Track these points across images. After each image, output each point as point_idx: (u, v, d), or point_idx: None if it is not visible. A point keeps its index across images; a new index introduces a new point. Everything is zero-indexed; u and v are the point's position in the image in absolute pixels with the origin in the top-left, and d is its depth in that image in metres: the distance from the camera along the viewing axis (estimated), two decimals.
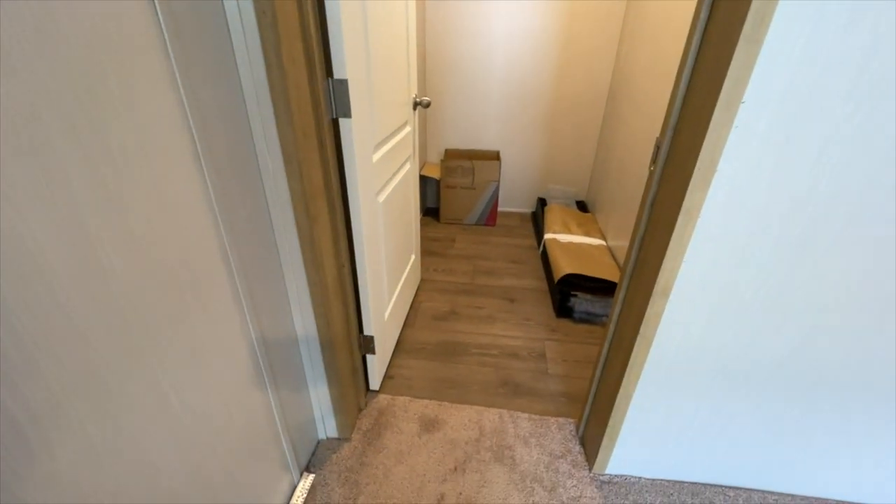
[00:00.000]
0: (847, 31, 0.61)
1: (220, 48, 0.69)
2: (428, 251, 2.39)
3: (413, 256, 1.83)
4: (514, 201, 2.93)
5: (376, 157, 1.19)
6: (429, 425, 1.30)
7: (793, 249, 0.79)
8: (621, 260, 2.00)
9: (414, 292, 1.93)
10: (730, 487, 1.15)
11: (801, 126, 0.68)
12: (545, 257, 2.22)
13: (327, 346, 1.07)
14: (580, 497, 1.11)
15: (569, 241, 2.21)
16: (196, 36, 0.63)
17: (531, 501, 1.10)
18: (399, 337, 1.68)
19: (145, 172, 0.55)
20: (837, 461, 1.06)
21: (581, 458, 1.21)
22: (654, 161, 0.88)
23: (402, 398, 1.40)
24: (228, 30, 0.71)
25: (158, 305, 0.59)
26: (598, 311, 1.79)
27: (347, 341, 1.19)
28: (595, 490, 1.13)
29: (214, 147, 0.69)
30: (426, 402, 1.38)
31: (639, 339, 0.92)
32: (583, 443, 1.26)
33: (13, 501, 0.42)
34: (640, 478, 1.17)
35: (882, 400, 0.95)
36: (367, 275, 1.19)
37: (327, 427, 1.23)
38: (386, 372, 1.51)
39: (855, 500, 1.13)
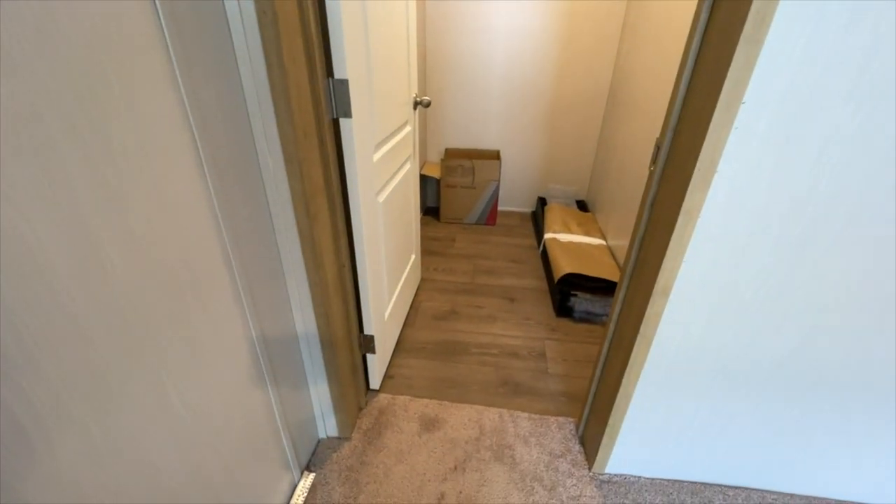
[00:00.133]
0: (847, 31, 0.61)
1: (221, 48, 0.69)
2: (428, 250, 2.39)
3: (413, 256, 1.83)
4: (514, 201, 2.93)
5: (377, 156, 1.19)
6: (429, 424, 1.31)
7: (793, 249, 0.79)
8: (621, 259, 2.00)
9: (414, 292, 1.93)
10: (729, 487, 1.16)
11: (801, 126, 0.68)
12: (545, 257, 2.22)
13: (327, 346, 1.08)
14: (580, 496, 1.12)
15: (569, 241, 2.21)
16: (197, 35, 0.63)
17: (531, 500, 1.10)
18: (399, 336, 1.68)
19: (146, 172, 0.55)
20: (837, 461, 1.07)
21: (581, 458, 1.21)
22: (654, 161, 0.88)
23: (402, 397, 1.40)
24: (229, 29, 0.71)
25: (159, 305, 0.59)
26: (597, 311, 1.79)
27: (348, 340, 1.19)
28: (595, 489, 1.14)
29: (215, 146, 0.69)
30: (426, 401, 1.39)
31: (639, 338, 0.92)
32: (583, 442, 1.26)
33: (15, 500, 0.42)
34: (639, 477, 1.18)
35: (882, 400, 0.95)
36: (367, 274, 1.19)
37: (328, 426, 1.23)
38: (386, 371, 1.51)
39: (854, 500, 1.13)
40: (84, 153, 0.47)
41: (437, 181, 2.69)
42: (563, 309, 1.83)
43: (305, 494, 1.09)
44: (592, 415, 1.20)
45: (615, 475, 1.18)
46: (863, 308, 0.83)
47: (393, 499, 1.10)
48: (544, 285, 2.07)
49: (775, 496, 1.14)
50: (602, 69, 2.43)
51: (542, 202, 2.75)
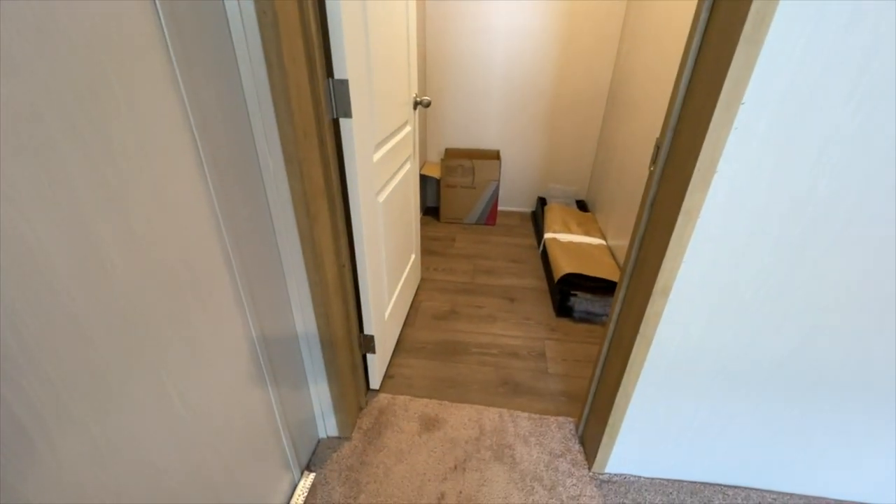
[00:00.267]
0: (847, 31, 0.61)
1: (221, 48, 0.69)
2: (428, 250, 2.39)
3: (413, 256, 1.83)
4: (514, 200, 2.93)
5: (377, 156, 1.19)
6: (429, 424, 1.31)
7: (793, 250, 0.79)
8: (621, 259, 2.00)
9: (414, 291, 1.93)
10: (729, 486, 1.16)
11: (801, 126, 0.68)
12: (545, 257, 2.22)
13: (328, 346, 1.08)
14: (580, 496, 1.12)
15: (569, 241, 2.21)
16: (197, 35, 0.63)
17: (531, 500, 1.10)
18: (399, 336, 1.68)
19: (146, 172, 0.55)
20: (837, 461, 1.07)
21: (581, 457, 1.22)
22: (654, 161, 0.88)
23: (402, 397, 1.40)
24: (229, 29, 0.71)
25: (159, 305, 0.59)
26: (597, 311, 1.79)
27: (348, 340, 1.19)
28: (594, 489, 1.14)
29: (215, 146, 0.69)
30: (426, 401, 1.39)
31: (638, 338, 0.92)
32: (582, 442, 1.26)
33: (16, 500, 0.42)
34: (639, 477, 1.18)
35: (882, 400, 0.95)
36: (367, 274, 1.19)
37: (328, 426, 1.23)
38: (386, 371, 1.51)
39: (854, 500, 1.13)
40: (84, 153, 0.47)
41: (437, 181, 2.69)
42: (562, 309, 1.83)
43: (305, 494, 1.10)
44: (592, 415, 1.20)
45: (615, 475, 1.18)
46: (863, 308, 0.83)
47: (393, 498, 1.10)
48: (544, 285, 2.08)
49: (775, 496, 1.14)
50: (602, 69, 2.43)
51: (541, 202, 2.76)
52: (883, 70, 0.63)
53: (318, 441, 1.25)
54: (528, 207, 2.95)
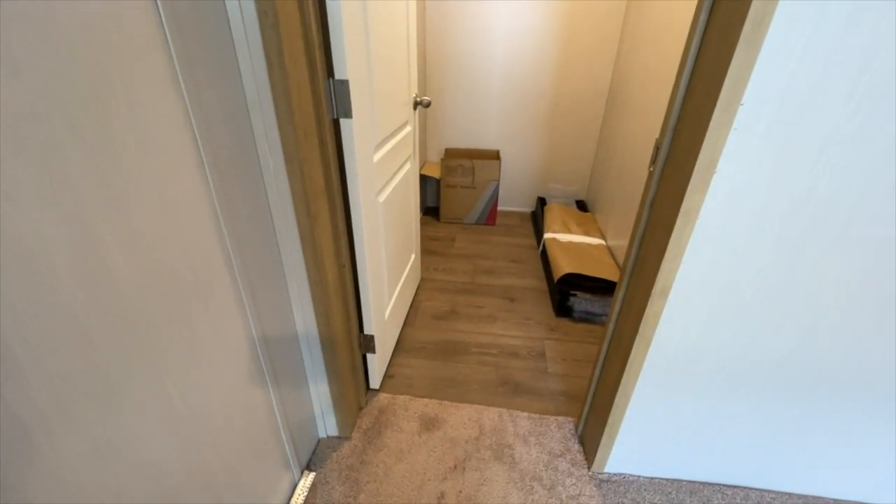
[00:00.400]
0: (847, 31, 0.61)
1: (222, 48, 0.70)
2: (428, 250, 2.39)
3: (413, 256, 1.83)
4: (513, 200, 2.93)
5: (377, 156, 1.19)
6: (429, 424, 1.31)
7: (792, 250, 0.79)
8: (621, 259, 2.00)
9: (414, 291, 1.94)
10: (728, 486, 1.16)
11: (800, 126, 0.68)
12: (545, 257, 2.22)
13: (328, 345, 1.08)
14: (579, 495, 1.12)
15: (568, 241, 2.21)
16: (198, 36, 0.63)
17: (530, 500, 1.10)
18: (399, 336, 1.69)
19: (148, 172, 0.55)
20: (836, 460, 1.07)
21: (580, 457, 1.22)
22: (653, 162, 0.88)
23: (402, 397, 1.40)
24: (230, 30, 0.71)
25: (161, 305, 0.59)
26: (597, 311, 1.79)
27: (348, 340, 1.19)
28: (594, 488, 1.14)
29: (216, 146, 0.69)
30: (426, 400, 1.39)
31: (638, 338, 0.92)
32: (582, 441, 1.26)
33: (19, 499, 0.42)
34: (638, 476, 1.18)
35: (882, 400, 0.95)
36: (367, 274, 1.19)
37: (328, 425, 1.24)
38: (386, 371, 1.51)
39: (853, 500, 1.13)
40: (86, 153, 0.47)
41: (437, 181, 2.69)
42: (562, 309, 1.83)
43: (306, 493, 1.10)
44: (592, 414, 1.20)
45: (614, 474, 1.18)
46: (863, 308, 0.84)
47: (393, 498, 1.10)
48: (544, 285, 2.08)
49: (774, 495, 1.14)
50: (602, 69, 2.44)
51: (541, 202, 2.76)
52: (883, 70, 0.63)
53: (318, 441, 1.25)
54: (527, 207, 2.95)
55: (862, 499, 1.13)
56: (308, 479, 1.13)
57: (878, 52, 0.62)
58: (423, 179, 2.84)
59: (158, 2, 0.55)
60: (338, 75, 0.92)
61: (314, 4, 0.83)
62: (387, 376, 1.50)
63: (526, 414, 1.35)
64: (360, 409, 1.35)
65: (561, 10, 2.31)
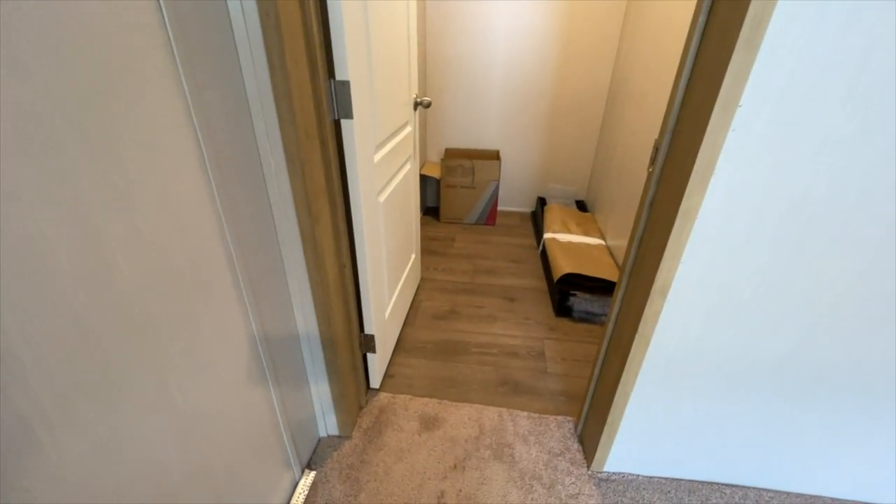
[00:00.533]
0: (845, 32, 0.61)
1: (224, 49, 0.70)
2: (428, 250, 2.40)
3: (413, 255, 1.83)
4: (513, 201, 2.94)
5: (377, 157, 1.19)
6: (429, 423, 1.31)
7: (790, 250, 0.80)
8: (620, 259, 2.01)
9: (414, 291, 1.94)
10: (727, 485, 1.16)
11: (799, 127, 0.69)
12: (545, 257, 2.23)
13: (328, 345, 1.08)
14: (578, 494, 1.12)
15: (568, 241, 2.22)
16: (200, 37, 0.64)
17: (530, 499, 1.11)
18: (399, 336, 1.69)
19: (151, 172, 0.56)
20: (834, 460, 1.07)
21: (580, 456, 1.22)
22: (652, 162, 0.88)
23: (402, 396, 1.41)
24: (232, 31, 0.72)
25: (163, 304, 0.60)
26: (596, 311, 1.80)
27: (348, 340, 1.20)
28: (593, 487, 1.15)
29: (218, 147, 0.69)
30: (426, 400, 1.39)
31: (637, 338, 0.93)
32: (581, 441, 1.27)
33: (23, 497, 0.43)
34: (637, 475, 1.18)
35: (880, 399, 0.95)
36: (367, 274, 1.20)
37: (328, 425, 1.24)
38: (386, 370, 1.52)
39: (851, 499, 1.14)
40: (90, 154, 0.47)
41: (437, 181, 2.69)
42: (562, 308, 1.84)
43: (306, 492, 1.10)
44: (591, 414, 1.21)
45: (613, 473, 1.19)
46: (861, 308, 0.84)
47: (393, 497, 1.11)
48: (544, 285, 2.08)
49: (772, 494, 1.14)
50: (602, 69, 2.44)
51: (541, 202, 2.76)
52: (881, 70, 0.63)
53: (319, 440, 1.25)
54: (527, 207, 2.96)
55: (860, 498, 1.13)
56: (309, 478, 1.13)
57: (876, 52, 0.62)
58: (424, 179, 2.84)
59: (162, 6, 0.56)
60: (339, 76, 0.93)
61: (315, 5, 0.83)
62: (387, 376, 1.50)
63: (525, 413, 1.35)
64: (361, 408, 1.36)
65: (561, 10, 2.32)
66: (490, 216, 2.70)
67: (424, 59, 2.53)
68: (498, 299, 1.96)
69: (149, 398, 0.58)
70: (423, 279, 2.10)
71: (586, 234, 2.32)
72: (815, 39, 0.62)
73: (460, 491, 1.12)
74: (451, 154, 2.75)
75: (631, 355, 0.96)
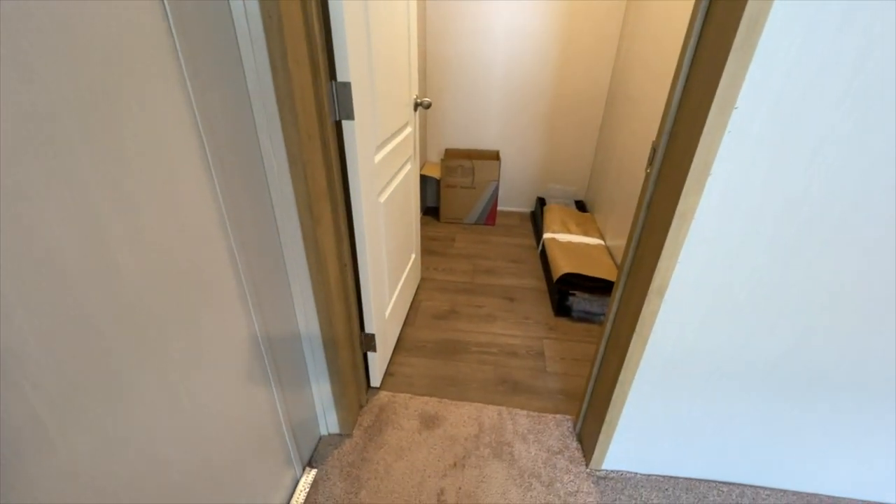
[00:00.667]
0: (841, 33, 0.62)
1: (227, 51, 0.71)
2: (428, 250, 2.41)
3: (413, 255, 1.84)
4: (513, 201, 2.95)
5: (378, 158, 1.20)
6: (429, 422, 1.32)
7: (786, 251, 0.80)
8: (619, 259, 2.01)
9: (414, 291, 1.95)
10: (724, 483, 1.17)
11: (794, 128, 0.69)
12: (544, 257, 2.24)
13: (329, 344, 1.09)
14: (577, 492, 1.14)
15: (567, 241, 2.23)
16: (204, 39, 0.65)
17: (529, 496, 1.12)
18: (399, 335, 1.70)
19: (156, 173, 0.57)
20: (831, 458, 1.08)
21: (578, 454, 1.23)
22: (650, 163, 0.89)
23: (402, 395, 1.42)
24: (235, 33, 0.72)
25: (167, 303, 0.60)
26: (595, 310, 1.81)
27: (349, 339, 1.21)
28: (592, 485, 1.16)
29: (222, 149, 0.70)
30: (426, 398, 1.40)
31: (635, 337, 0.94)
32: (580, 439, 1.28)
33: (34, 490, 0.44)
34: (635, 473, 1.19)
35: (876, 399, 0.96)
36: (368, 273, 1.21)
37: (329, 423, 1.25)
38: (387, 369, 1.53)
39: (847, 497, 1.15)
40: (97, 155, 0.48)
41: (437, 181, 2.70)
42: (561, 308, 1.85)
43: (307, 490, 1.11)
44: (590, 412, 1.22)
45: (612, 471, 1.20)
46: (856, 308, 0.85)
47: (393, 494, 1.12)
48: (543, 285, 2.09)
49: (769, 492, 1.16)
50: (601, 69, 2.45)
51: (541, 202, 2.77)
52: (876, 71, 0.64)
53: (320, 438, 1.26)
54: (527, 208, 2.97)
55: (857, 496, 1.14)
56: (310, 476, 1.15)
57: (871, 53, 0.62)
58: (424, 180, 2.85)
59: (167, 6, 0.57)
60: (340, 78, 0.94)
61: (317, 7, 0.84)
62: (387, 375, 1.51)
63: (525, 412, 1.36)
64: (361, 406, 1.37)
65: (561, 10, 2.33)
66: (490, 216, 2.71)
67: (424, 59, 2.53)
68: (497, 299, 1.97)
69: (153, 396, 0.59)
70: (423, 279, 2.11)
71: (586, 234, 2.33)
72: (811, 41, 0.63)
73: (460, 489, 1.13)
74: (451, 154, 2.76)
75: (629, 355, 0.97)
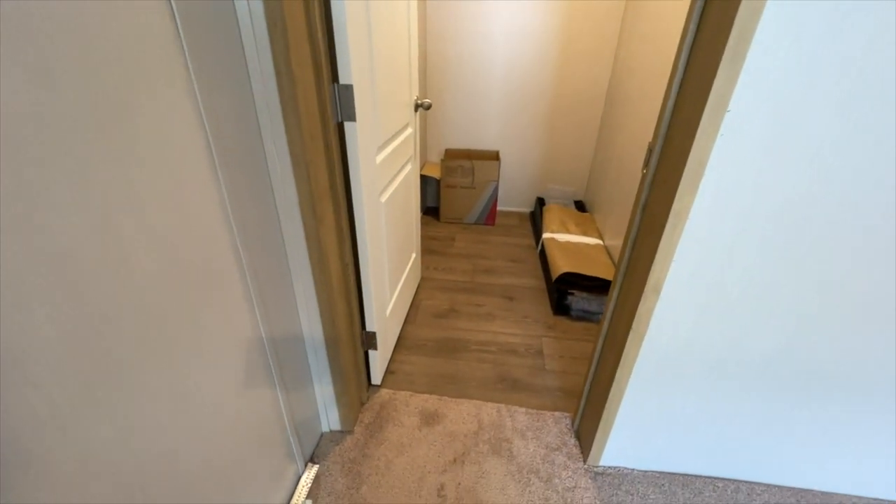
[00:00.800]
0: (834, 35, 0.63)
1: (233, 54, 0.73)
2: (428, 250, 2.43)
3: (414, 255, 1.86)
4: (513, 201, 2.97)
5: (379, 158, 1.22)
6: (429, 419, 1.34)
7: (778, 250, 0.82)
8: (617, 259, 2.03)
9: (414, 290, 1.97)
10: (719, 479, 1.19)
11: (786, 131, 0.71)
12: (543, 256, 2.26)
13: (331, 343, 1.11)
14: (575, 488, 1.15)
15: (567, 241, 2.24)
16: (211, 44, 0.67)
17: (528, 492, 1.14)
18: (400, 333, 1.72)
19: (166, 174, 0.59)
20: (825, 454, 1.10)
21: (576, 451, 1.25)
22: (646, 164, 0.91)
23: (402, 392, 1.43)
24: (240, 36, 0.74)
25: (176, 301, 0.62)
26: (594, 309, 1.82)
27: (350, 337, 1.22)
28: (589, 481, 1.17)
29: (227, 150, 0.72)
30: (426, 396, 1.42)
31: (631, 335, 0.96)
32: (578, 436, 1.29)
33: (51, 474, 0.45)
34: (632, 469, 1.21)
35: (868, 395, 0.98)
36: (369, 273, 1.22)
37: (330, 420, 1.27)
38: (387, 367, 1.55)
39: (841, 492, 1.17)
40: (113, 156, 0.50)
41: (437, 181, 2.72)
42: (560, 307, 1.86)
43: (309, 485, 1.13)
44: (587, 409, 1.24)
45: (609, 467, 1.21)
46: (847, 308, 0.87)
47: (394, 490, 1.13)
48: (542, 284, 2.11)
49: (764, 488, 1.17)
50: (600, 69, 2.47)
51: (540, 202, 2.79)
52: (871, 73, 0.65)
53: (322, 434, 1.28)
54: (526, 208, 2.99)
55: (851, 492, 1.16)
56: (312, 472, 1.16)
57: (866, 55, 0.64)
58: (424, 180, 2.87)
59: (175, 13, 0.58)
60: (342, 80, 0.96)
61: (320, 11, 0.86)
62: (388, 372, 1.53)
63: (524, 409, 1.38)
64: (362, 404, 1.39)
65: (560, 11, 2.34)
66: (489, 216, 2.73)
67: (425, 59, 2.55)
68: (497, 298, 1.99)
69: (162, 391, 0.61)
70: (423, 278, 2.13)
71: (584, 234, 2.35)
72: (803, 44, 0.64)
73: (459, 484, 1.15)
74: (451, 154, 2.78)
75: (625, 352, 0.99)
